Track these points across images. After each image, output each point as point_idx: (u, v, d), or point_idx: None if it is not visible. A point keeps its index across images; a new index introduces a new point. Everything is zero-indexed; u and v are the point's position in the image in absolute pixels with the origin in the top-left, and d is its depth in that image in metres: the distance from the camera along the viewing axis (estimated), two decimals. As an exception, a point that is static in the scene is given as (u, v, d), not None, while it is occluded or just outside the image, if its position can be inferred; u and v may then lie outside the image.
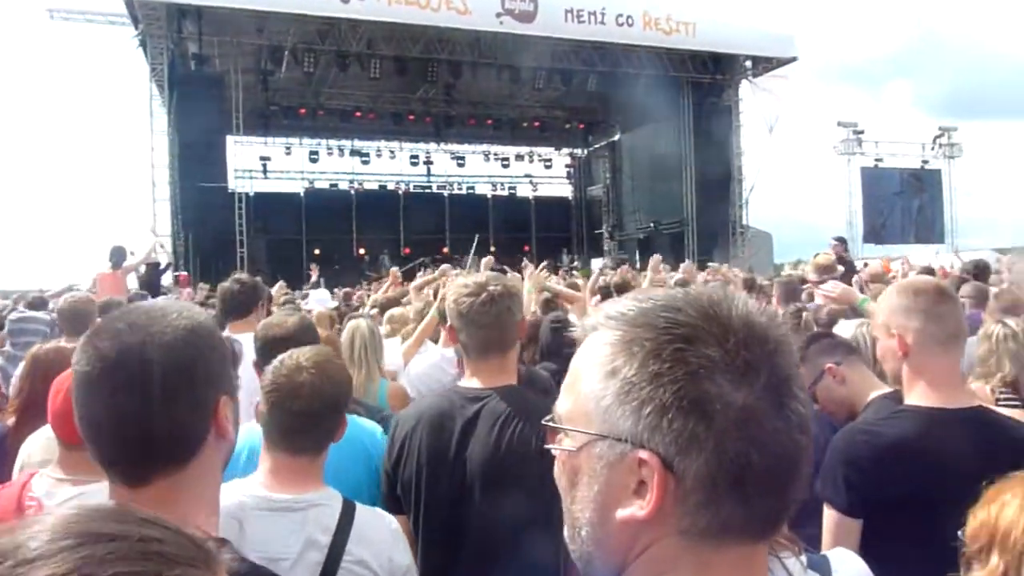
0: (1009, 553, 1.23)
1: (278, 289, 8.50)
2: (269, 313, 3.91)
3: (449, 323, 2.27)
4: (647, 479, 0.73)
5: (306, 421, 1.83)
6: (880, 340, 2.17)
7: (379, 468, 2.34)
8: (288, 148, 27.84)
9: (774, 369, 0.75)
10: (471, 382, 2.22)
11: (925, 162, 26.42)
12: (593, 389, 0.77)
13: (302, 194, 28.41)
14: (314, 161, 28.00)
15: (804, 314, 4.67)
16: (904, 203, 25.34)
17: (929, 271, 6.96)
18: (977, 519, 1.31)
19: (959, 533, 1.29)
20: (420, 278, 9.16)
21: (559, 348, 4.00)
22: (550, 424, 0.83)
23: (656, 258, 7.35)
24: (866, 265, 17.56)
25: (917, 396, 2.07)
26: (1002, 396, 3.19)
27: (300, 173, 28.42)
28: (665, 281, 7.13)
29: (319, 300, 8.04)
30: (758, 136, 23.53)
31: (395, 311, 5.55)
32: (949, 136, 26.51)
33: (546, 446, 0.84)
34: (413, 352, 4.34)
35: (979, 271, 7.50)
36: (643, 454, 0.73)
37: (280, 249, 24.92)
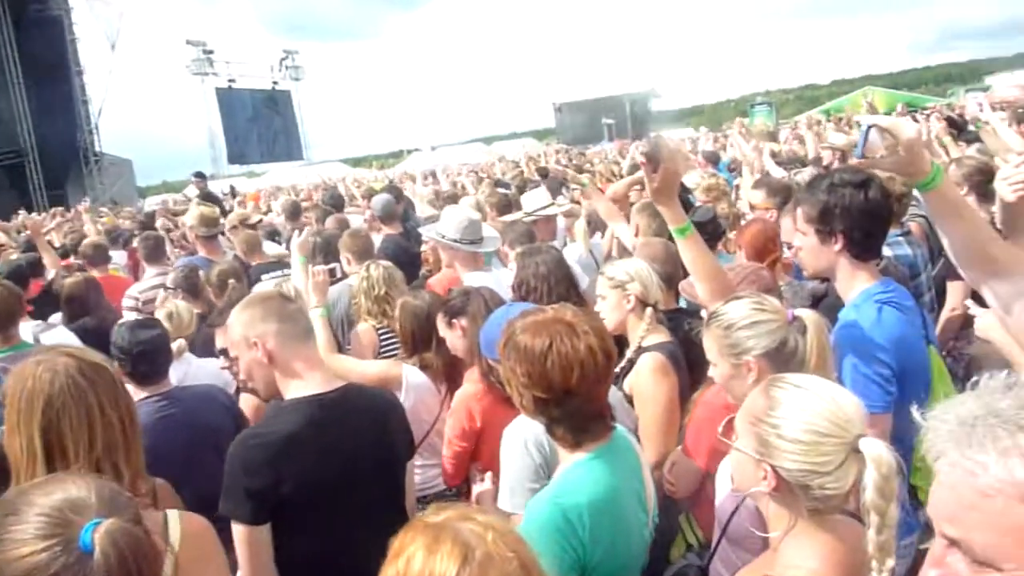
0: None
1: None
2: None
3: None
4: None
5: None
6: (242, 356, 2.23)
7: None
8: None
9: None
10: None
11: (275, 83, 27.87)
12: None
13: None
14: None
15: (201, 271, 4.75)
16: (262, 124, 26.42)
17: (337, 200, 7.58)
18: None
19: None
20: None
21: None
22: None
23: None
24: (232, 189, 17.98)
25: (296, 389, 2.22)
26: (383, 335, 3.71)
27: None
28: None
29: None
30: (101, 52, 21.31)
31: None
32: (293, 58, 28.38)
33: None
34: None
35: (335, 201, 8.52)
36: None
37: None
